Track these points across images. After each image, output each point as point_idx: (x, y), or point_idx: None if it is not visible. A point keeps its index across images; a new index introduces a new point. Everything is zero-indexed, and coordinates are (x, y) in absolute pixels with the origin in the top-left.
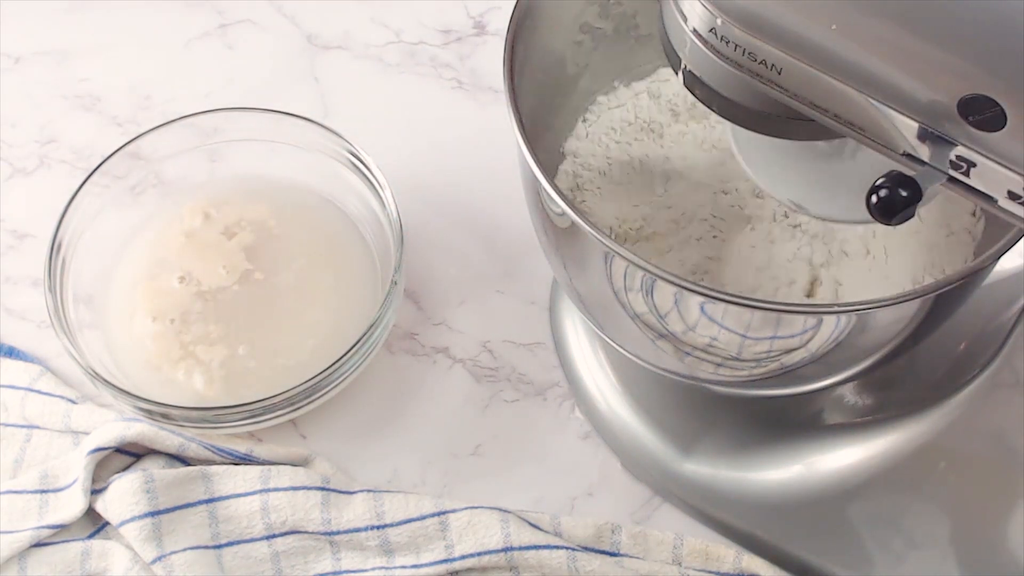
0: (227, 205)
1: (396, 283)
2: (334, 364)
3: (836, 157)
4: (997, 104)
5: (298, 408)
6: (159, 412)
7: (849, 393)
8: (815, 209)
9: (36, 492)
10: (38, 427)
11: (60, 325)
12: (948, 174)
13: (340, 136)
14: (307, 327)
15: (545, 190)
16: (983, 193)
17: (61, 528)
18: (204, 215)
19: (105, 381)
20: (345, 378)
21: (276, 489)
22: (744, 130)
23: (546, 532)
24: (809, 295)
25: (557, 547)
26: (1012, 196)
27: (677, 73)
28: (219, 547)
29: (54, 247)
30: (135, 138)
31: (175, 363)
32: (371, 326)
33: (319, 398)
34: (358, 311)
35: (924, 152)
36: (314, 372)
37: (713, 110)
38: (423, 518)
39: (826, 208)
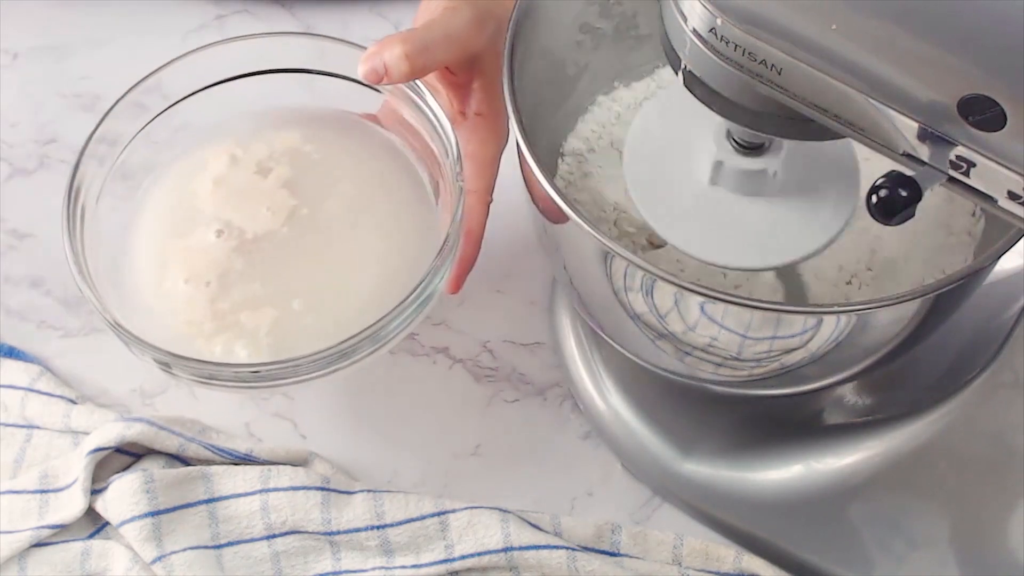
0: (253, 141)
1: (462, 189)
2: (418, 287)
3: (729, 204)
4: (997, 104)
5: (373, 351)
6: (206, 373)
7: (849, 393)
8: (707, 256)
9: (36, 492)
10: (38, 427)
11: (81, 274)
12: (948, 174)
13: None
14: (364, 261)
15: (545, 190)
16: (983, 193)
17: (61, 528)
18: (230, 156)
19: (134, 336)
20: (424, 304)
21: (276, 489)
22: (641, 172)
23: (546, 532)
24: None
25: (557, 547)
26: (1012, 196)
27: (677, 73)
28: (219, 547)
29: (71, 192)
30: (149, 75)
31: (209, 337)
32: (444, 242)
33: (397, 334)
34: (417, 236)
35: (924, 152)
36: (383, 307)
37: (713, 110)
38: (423, 518)
39: (717, 255)
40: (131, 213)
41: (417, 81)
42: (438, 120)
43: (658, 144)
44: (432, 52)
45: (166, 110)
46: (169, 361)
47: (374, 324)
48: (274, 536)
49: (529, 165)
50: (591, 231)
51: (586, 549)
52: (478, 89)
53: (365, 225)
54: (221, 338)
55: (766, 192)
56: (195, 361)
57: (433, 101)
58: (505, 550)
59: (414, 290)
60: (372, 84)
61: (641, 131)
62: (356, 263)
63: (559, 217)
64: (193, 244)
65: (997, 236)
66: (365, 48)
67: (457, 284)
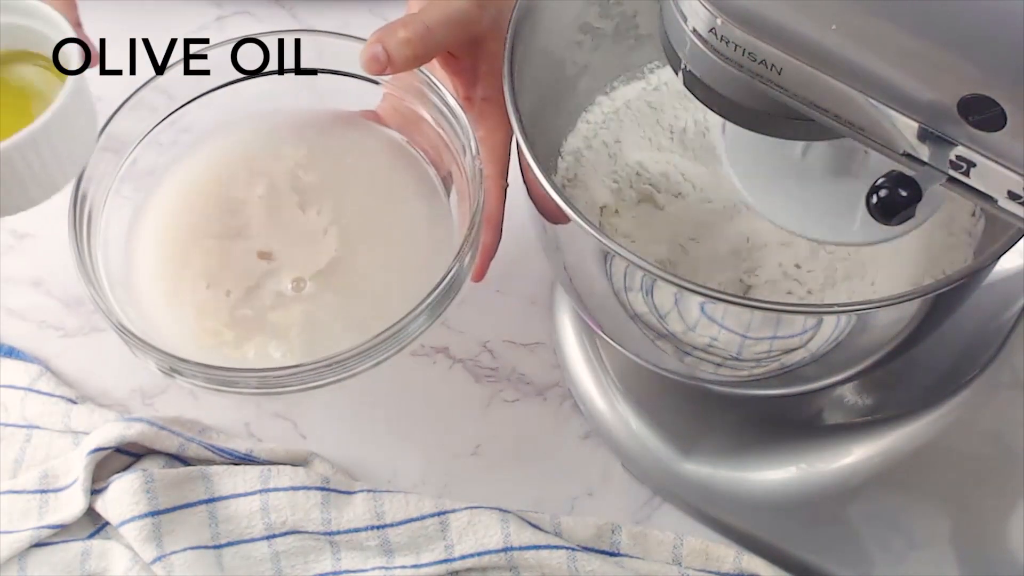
0: (266, 157)
1: (482, 171)
2: (445, 277)
3: (834, 178)
4: (997, 104)
5: (399, 349)
6: (224, 380)
7: (849, 393)
8: (811, 232)
9: (36, 492)
10: (38, 427)
11: (87, 277)
12: (948, 174)
13: (358, 40)
14: (384, 264)
15: (545, 189)
16: (983, 193)
17: (61, 528)
18: (248, 172)
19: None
20: (451, 295)
21: (276, 489)
22: (739, 149)
23: (546, 532)
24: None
25: (557, 547)
26: (1012, 196)
27: (677, 73)
28: (219, 547)
29: (78, 199)
30: (150, 80)
31: (235, 347)
32: (470, 227)
33: (424, 330)
34: (431, 230)
35: (924, 152)
36: (407, 306)
37: (713, 110)
38: (423, 518)
39: (822, 230)
40: (138, 216)
41: (422, 68)
42: (448, 106)
43: None
44: (434, 36)
45: (172, 112)
46: (178, 367)
47: (401, 320)
48: (274, 536)
49: (529, 165)
50: (591, 231)
51: (586, 549)
52: (485, 74)
53: (382, 229)
54: (254, 343)
55: (854, 171)
56: (205, 367)
57: (441, 87)
58: (505, 550)
59: (441, 280)
60: (374, 75)
61: None
62: (377, 267)
63: (559, 217)
64: (218, 250)
65: (997, 236)
66: (365, 40)
67: (481, 272)
